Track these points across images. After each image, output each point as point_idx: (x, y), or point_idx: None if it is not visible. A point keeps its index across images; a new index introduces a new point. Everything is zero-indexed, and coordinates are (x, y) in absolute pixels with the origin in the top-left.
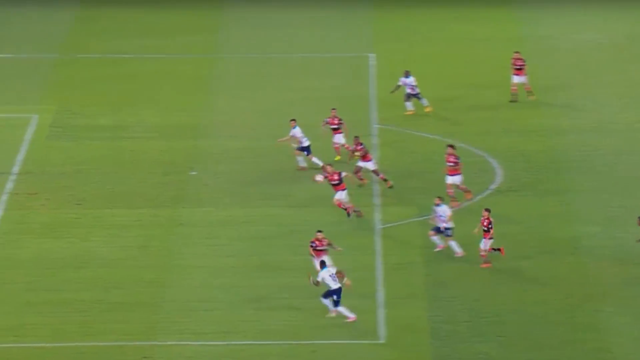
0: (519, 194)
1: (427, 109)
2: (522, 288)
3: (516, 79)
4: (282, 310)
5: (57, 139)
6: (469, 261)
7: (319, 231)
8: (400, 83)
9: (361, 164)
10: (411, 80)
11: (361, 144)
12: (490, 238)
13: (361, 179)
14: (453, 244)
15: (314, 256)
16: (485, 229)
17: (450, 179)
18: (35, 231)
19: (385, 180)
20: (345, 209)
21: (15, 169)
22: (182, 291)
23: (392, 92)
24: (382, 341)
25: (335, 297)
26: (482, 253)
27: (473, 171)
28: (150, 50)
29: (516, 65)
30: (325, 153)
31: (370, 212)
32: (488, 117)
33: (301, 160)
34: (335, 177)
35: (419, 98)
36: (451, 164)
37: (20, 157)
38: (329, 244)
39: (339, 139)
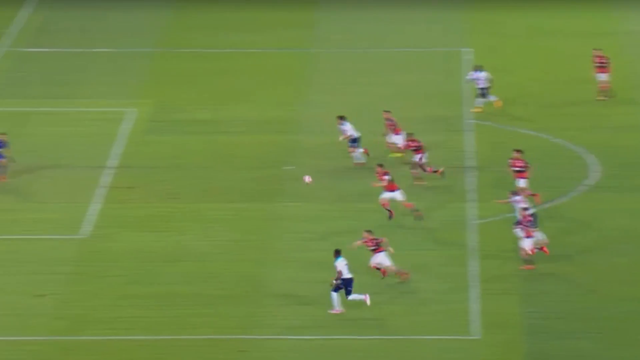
0: (614, 190)
1: (496, 104)
2: (617, 284)
3: (601, 77)
4: (373, 305)
5: (155, 133)
6: (563, 256)
7: (367, 231)
8: (471, 77)
9: (415, 158)
10: (483, 75)
11: (414, 140)
12: (531, 237)
13: (418, 175)
14: (538, 235)
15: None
16: (527, 226)
17: (520, 183)
18: (132, 225)
19: (435, 171)
20: (389, 211)
21: (113, 162)
22: (276, 285)
23: (468, 82)
24: (475, 337)
25: (348, 287)
26: (526, 252)
27: (567, 167)
28: (247, 45)
29: (598, 62)
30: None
31: (464, 207)
32: (583, 112)
33: (357, 156)
34: (384, 177)
35: (483, 95)
36: (518, 168)
37: (118, 150)
38: (377, 243)
39: (396, 139)
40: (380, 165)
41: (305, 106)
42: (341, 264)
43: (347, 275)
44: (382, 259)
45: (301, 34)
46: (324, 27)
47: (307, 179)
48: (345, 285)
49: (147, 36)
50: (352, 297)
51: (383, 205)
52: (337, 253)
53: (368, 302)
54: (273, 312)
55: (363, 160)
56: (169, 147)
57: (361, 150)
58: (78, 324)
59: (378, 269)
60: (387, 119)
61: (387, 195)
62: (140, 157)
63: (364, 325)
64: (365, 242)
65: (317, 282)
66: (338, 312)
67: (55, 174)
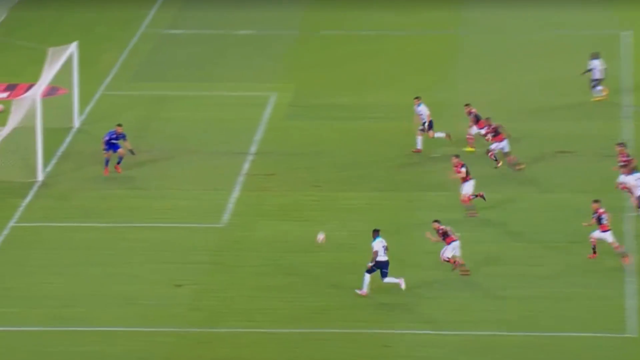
0: None
1: (604, 93)
2: None
3: None
4: (515, 299)
5: (296, 118)
6: None
7: (435, 221)
8: (591, 67)
9: (494, 146)
10: (597, 62)
11: (491, 125)
12: (607, 230)
13: (495, 160)
14: None
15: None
16: (601, 221)
17: (622, 178)
18: (271, 213)
19: (516, 164)
20: (471, 204)
21: (253, 149)
22: (417, 277)
23: (583, 74)
24: (632, 335)
25: (383, 269)
26: (615, 245)
27: None
28: (391, 26)
29: None
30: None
31: (621, 198)
32: None
33: (420, 142)
34: (461, 169)
35: (594, 85)
36: (623, 162)
37: (258, 137)
38: (444, 233)
39: (474, 130)
40: (457, 156)
41: (450, 92)
42: (378, 245)
43: (383, 257)
44: (452, 250)
45: (449, 15)
46: (472, 9)
47: (321, 238)
48: (380, 268)
49: (289, 18)
50: (387, 280)
51: (465, 201)
52: (376, 233)
53: (403, 286)
54: (417, 304)
55: (421, 148)
56: (309, 133)
57: (441, 134)
58: (214, 316)
59: (448, 261)
60: (469, 112)
61: (467, 188)
62: (279, 143)
63: (506, 320)
64: (438, 233)
65: (458, 276)
66: (364, 294)
67: (195, 160)
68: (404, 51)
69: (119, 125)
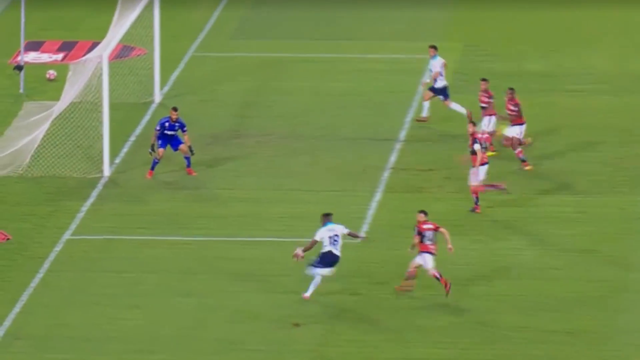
0: None
1: None
2: None
3: None
4: None
5: (464, 90)
6: None
7: (421, 212)
8: None
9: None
10: None
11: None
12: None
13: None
14: None
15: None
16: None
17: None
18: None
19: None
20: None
21: (402, 134)
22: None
23: None
24: None
25: (324, 262)
26: None
27: None
28: None
29: None
30: None
31: None
32: None
33: (426, 108)
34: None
35: None
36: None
37: (410, 117)
38: (436, 229)
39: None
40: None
41: None
42: (323, 234)
43: (328, 248)
44: (422, 260)
45: None
46: None
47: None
48: (323, 262)
49: None
50: (312, 270)
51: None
52: (326, 218)
53: (308, 294)
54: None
55: (426, 116)
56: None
57: (456, 107)
58: None
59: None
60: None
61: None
62: (439, 126)
63: None
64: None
65: None
66: (306, 298)
67: (320, 149)
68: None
69: (174, 109)
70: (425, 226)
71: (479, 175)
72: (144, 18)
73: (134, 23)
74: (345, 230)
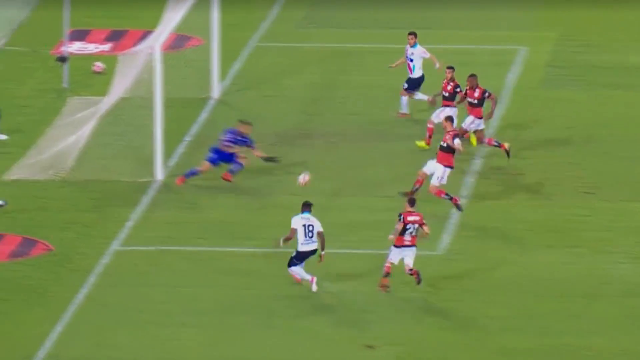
0: None
1: None
2: None
3: None
4: None
5: (558, 85)
6: None
7: (409, 200)
8: None
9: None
10: None
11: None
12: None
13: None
14: None
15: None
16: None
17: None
18: (514, 234)
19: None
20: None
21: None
22: None
23: None
24: None
25: (297, 258)
26: None
27: None
28: None
29: None
30: None
31: None
32: None
33: (405, 103)
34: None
35: None
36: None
37: (498, 113)
38: (422, 224)
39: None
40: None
41: None
42: (297, 223)
43: (303, 243)
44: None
45: None
46: None
47: (305, 179)
48: (297, 256)
49: None
50: (293, 270)
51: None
52: (305, 207)
53: (314, 288)
54: None
55: (407, 112)
56: (578, 108)
57: (422, 96)
58: None
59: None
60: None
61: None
62: (531, 123)
63: None
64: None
65: None
66: (298, 280)
67: (393, 149)
68: None
69: (246, 123)
70: (410, 217)
71: (443, 178)
72: (202, 4)
73: (190, 10)
74: (320, 229)
